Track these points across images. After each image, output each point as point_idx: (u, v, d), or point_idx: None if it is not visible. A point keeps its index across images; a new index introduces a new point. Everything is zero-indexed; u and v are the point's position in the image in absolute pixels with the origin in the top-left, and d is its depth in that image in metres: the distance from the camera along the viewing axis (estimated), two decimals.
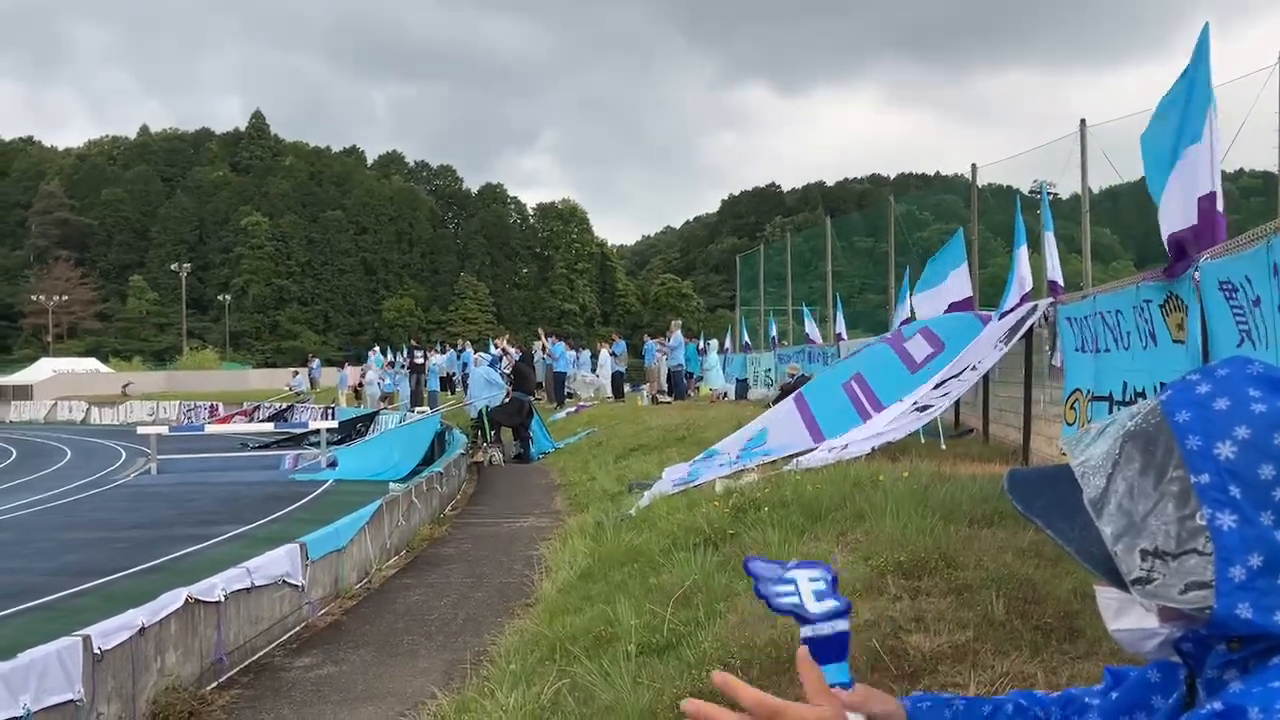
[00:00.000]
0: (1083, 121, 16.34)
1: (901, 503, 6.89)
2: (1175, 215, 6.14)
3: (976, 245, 19.07)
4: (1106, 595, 1.14)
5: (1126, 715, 1.28)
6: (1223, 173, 5.95)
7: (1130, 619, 1.12)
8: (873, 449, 10.10)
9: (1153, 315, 6.85)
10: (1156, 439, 1.08)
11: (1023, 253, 11.08)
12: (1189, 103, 5.96)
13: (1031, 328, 10.24)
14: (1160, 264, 6.61)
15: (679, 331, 28.75)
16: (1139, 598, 1.06)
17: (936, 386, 11.16)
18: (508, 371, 23.40)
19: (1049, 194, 14.80)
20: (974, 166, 20.88)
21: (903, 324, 14.82)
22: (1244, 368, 1.09)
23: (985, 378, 11.79)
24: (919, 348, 12.60)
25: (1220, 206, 5.81)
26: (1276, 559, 1.00)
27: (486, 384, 21.65)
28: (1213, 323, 5.66)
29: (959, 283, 13.61)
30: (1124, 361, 7.46)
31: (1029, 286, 10.97)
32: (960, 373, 11.05)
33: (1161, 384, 6.52)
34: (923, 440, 11.00)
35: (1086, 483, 1.12)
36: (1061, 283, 10.31)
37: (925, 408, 10.85)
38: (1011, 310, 10.88)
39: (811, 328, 25.81)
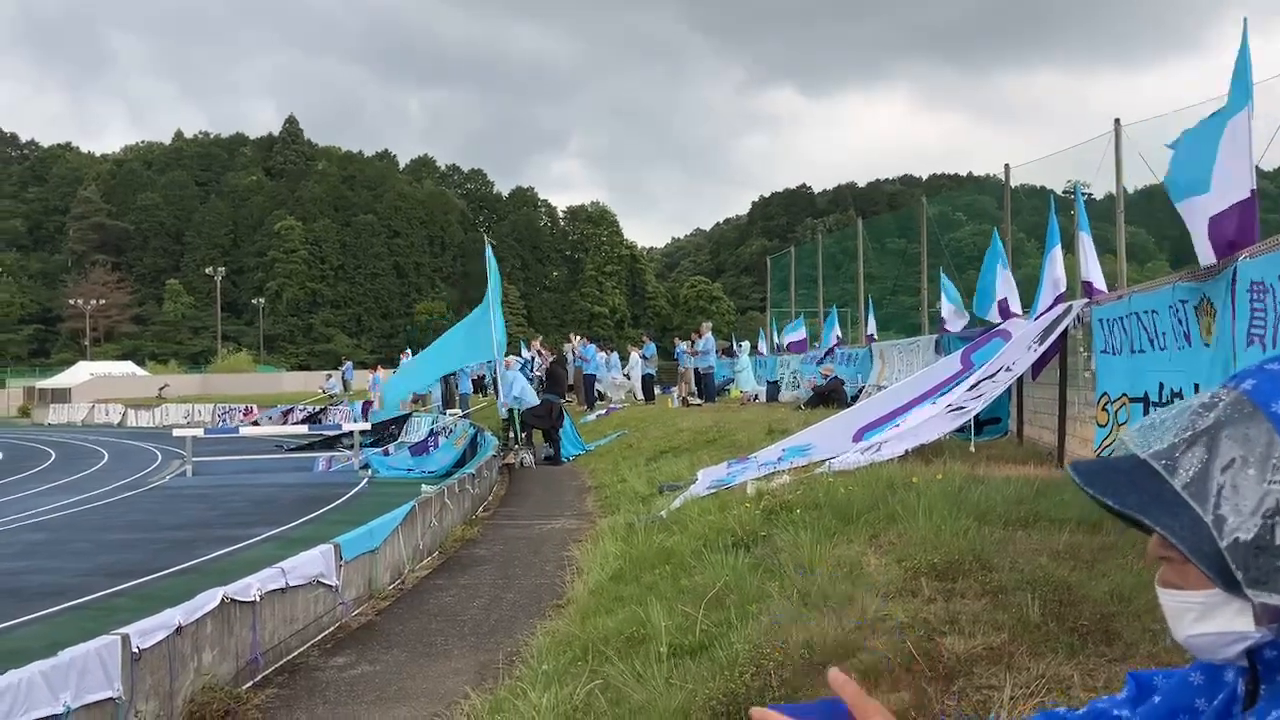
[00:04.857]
0: (1117, 121, 16.17)
1: (935, 504, 6.84)
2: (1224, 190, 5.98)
3: (1010, 245, 18.92)
4: (1187, 600, 1.07)
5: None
6: (1263, 172, 5.86)
7: (1218, 622, 1.04)
8: (906, 450, 10.05)
9: (1188, 315, 6.78)
10: (1252, 431, 1.02)
11: (1056, 254, 10.97)
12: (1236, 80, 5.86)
13: (1066, 329, 10.15)
14: (1196, 265, 6.51)
15: (709, 334, 28.66)
16: (1254, 597, 1.00)
17: (971, 388, 11.10)
18: (540, 374, 23.41)
19: (1083, 194, 14.66)
20: (1007, 167, 20.75)
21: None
22: None
23: (1020, 379, 11.70)
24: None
25: (1256, 207, 5.73)
26: None
27: (518, 386, 21.67)
28: (1240, 323, 5.60)
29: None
30: (1160, 362, 7.37)
31: (1063, 288, 10.87)
32: (994, 374, 10.99)
33: (1196, 385, 6.47)
34: (946, 438, 10.93)
35: (1174, 475, 1.05)
36: (1096, 284, 10.19)
37: (960, 409, 10.79)
38: (1046, 312, 10.79)
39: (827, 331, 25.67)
